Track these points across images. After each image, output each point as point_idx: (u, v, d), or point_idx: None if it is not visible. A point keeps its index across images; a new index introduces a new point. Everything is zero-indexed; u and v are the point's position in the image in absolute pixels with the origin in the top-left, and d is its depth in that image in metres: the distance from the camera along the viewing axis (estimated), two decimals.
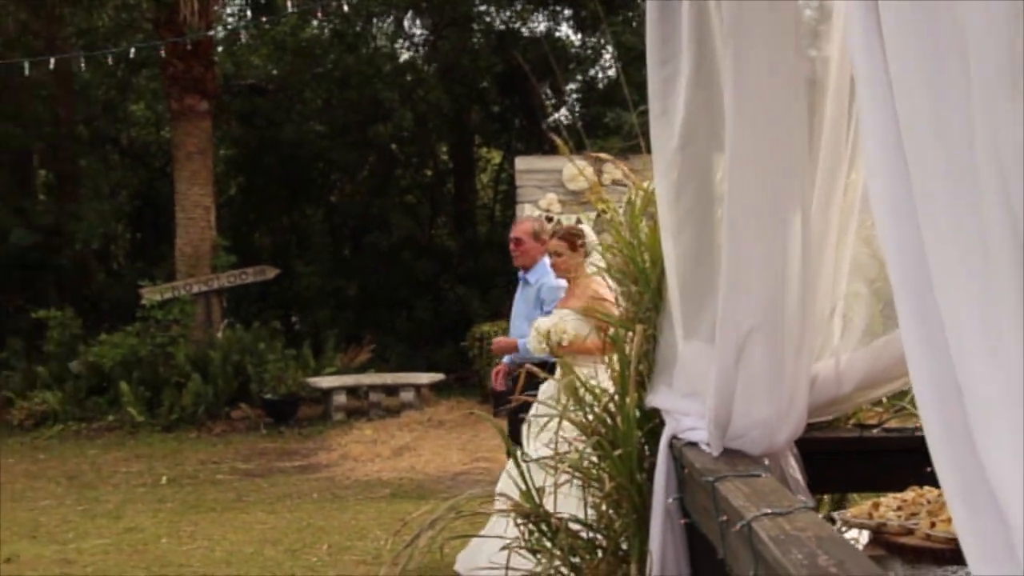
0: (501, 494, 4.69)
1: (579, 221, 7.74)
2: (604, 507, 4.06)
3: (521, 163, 16.08)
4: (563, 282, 7.21)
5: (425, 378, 16.19)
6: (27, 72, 14.85)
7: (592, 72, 22.09)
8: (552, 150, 19.04)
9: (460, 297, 19.52)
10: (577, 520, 4.05)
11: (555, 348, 6.50)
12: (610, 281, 6.71)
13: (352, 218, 22.00)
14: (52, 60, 15.58)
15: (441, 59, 20.69)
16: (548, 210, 15.45)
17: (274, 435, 14.57)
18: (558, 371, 6.51)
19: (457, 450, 12.65)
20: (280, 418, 15.23)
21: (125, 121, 22.21)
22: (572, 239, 6.91)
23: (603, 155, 4.99)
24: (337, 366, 16.69)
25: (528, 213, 15.55)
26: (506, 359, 7.76)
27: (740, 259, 3.00)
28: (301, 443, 13.96)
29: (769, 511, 2.42)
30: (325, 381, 15.70)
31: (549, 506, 4.13)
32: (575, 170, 14.88)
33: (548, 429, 6.08)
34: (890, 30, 1.63)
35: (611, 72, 21.93)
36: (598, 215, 13.59)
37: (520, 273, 7.84)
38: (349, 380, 15.96)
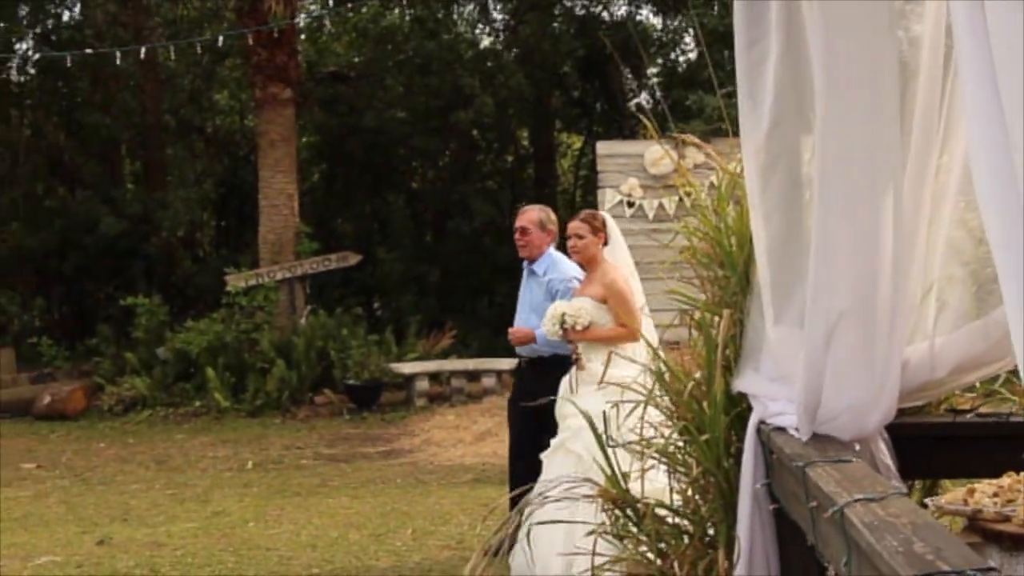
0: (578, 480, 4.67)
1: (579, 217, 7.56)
2: (690, 493, 4.05)
3: (602, 147, 16.01)
4: (571, 271, 7.14)
5: (507, 363, 16.19)
6: (118, 62, 15.11)
7: (673, 55, 21.95)
8: (633, 134, 18.96)
9: None
10: (663, 506, 4.05)
11: (569, 332, 6.48)
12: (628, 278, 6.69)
13: (433, 204, 22.10)
14: (143, 50, 15.85)
15: (522, 44, 20.67)
16: (630, 195, 15.39)
17: (357, 421, 14.71)
18: (577, 368, 6.52)
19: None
20: (363, 404, 15.37)
21: (210, 110, 22.50)
22: (593, 223, 6.85)
23: (691, 138, 4.95)
24: (419, 352, 16.79)
25: (609, 198, 15.50)
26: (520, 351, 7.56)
27: (830, 242, 2.97)
28: (384, 429, 14.08)
29: (862, 497, 2.39)
30: (407, 367, 15.80)
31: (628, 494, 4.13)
32: (657, 154, 14.83)
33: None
34: (992, 7, 1.60)
35: (692, 55, 21.79)
36: (680, 199, 13.46)
37: (525, 263, 7.64)
38: (431, 366, 16.05)
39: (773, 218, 3.30)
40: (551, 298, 7.16)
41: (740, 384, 3.74)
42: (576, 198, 23.63)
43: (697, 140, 5.29)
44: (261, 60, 16.81)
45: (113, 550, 8.19)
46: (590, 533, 4.13)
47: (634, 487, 4.17)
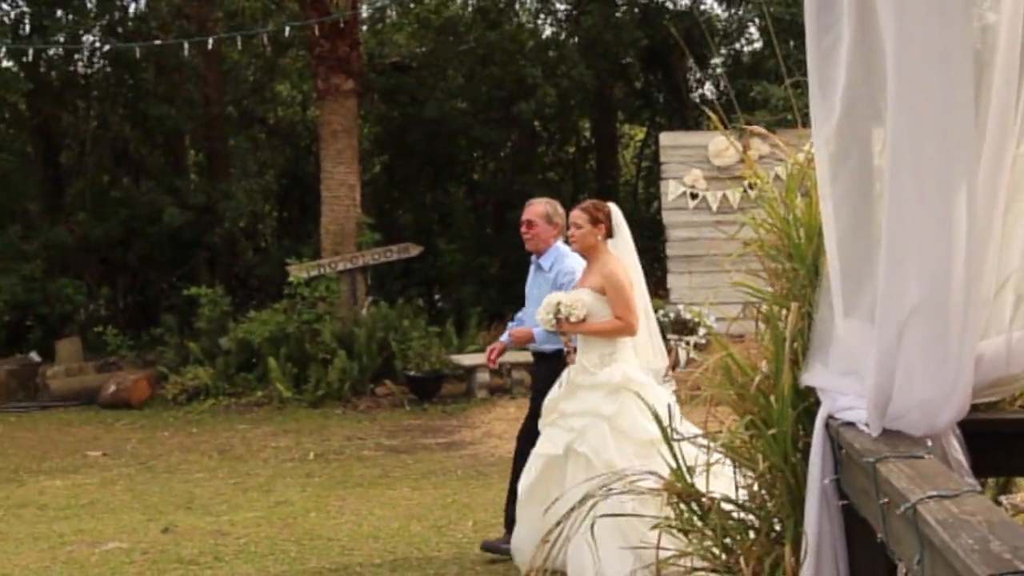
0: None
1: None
2: (757, 488, 4.03)
3: (666, 138, 15.96)
4: (577, 265, 7.04)
5: None
6: (186, 53, 15.25)
7: (737, 45, 21.79)
8: (696, 125, 18.87)
9: None
10: (729, 500, 4.03)
11: (563, 323, 6.41)
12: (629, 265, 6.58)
13: (495, 195, 22.12)
14: (210, 41, 15.98)
15: (584, 34, 20.60)
16: (693, 186, 15.33)
17: (418, 412, 14.77)
18: (573, 363, 6.45)
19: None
20: (424, 395, 15.42)
21: (272, 101, 22.67)
22: (594, 213, 6.73)
23: (757, 128, 4.92)
24: (480, 343, 16.80)
25: (672, 189, 15.46)
26: (503, 339, 7.54)
27: (901, 236, 2.93)
28: (445, 420, 14.13)
29: (935, 493, 2.36)
30: (468, 359, 15.84)
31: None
32: (721, 145, 14.76)
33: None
34: None
35: (757, 44, 21.62)
36: (744, 190, 13.36)
37: (532, 257, 7.54)
38: None
39: (843, 209, 3.27)
40: (557, 290, 7.10)
41: (808, 378, 3.71)
42: (638, 190, 23.58)
43: (763, 131, 5.26)
44: (324, 51, 16.89)
45: (178, 537, 8.30)
46: (655, 527, 4.12)
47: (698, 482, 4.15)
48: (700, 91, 22.63)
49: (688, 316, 14.81)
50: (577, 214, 6.79)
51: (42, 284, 18.47)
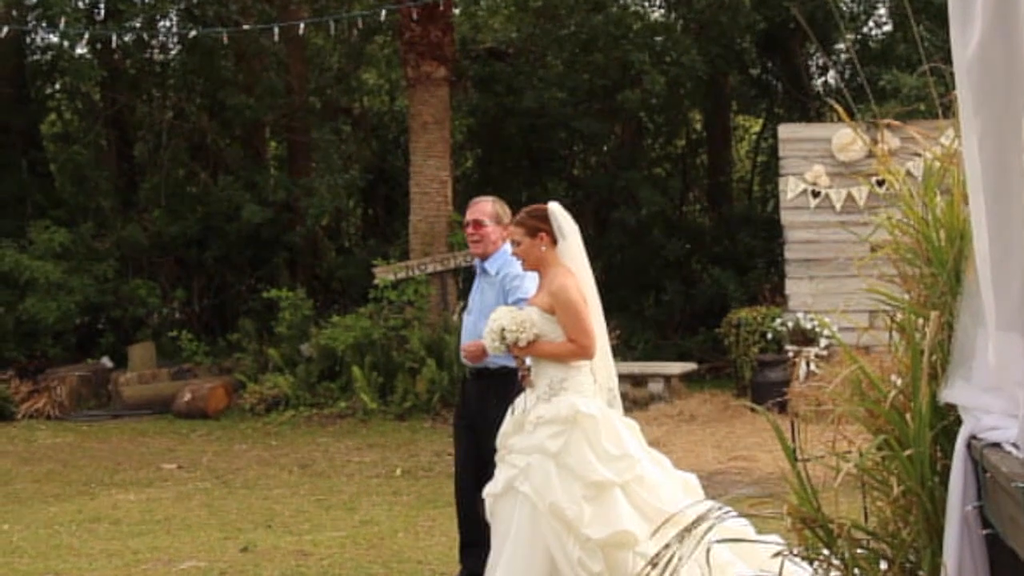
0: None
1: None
2: (890, 514, 3.99)
3: (785, 131, 15.84)
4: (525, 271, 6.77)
5: (676, 368, 16.17)
6: (276, 38, 15.45)
7: (865, 29, 21.53)
8: (819, 117, 18.72)
9: (714, 279, 19.38)
10: (859, 527, 4.00)
11: (513, 348, 6.20)
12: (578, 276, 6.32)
13: (597, 193, 22.09)
14: (301, 26, 16.19)
15: (696, 17, 20.51)
16: (815, 183, 15.19)
17: None
18: (534, 383, 6.26)
19: (712, 447, 12.60)
20: None
21: (358, 90, 22.87)
22: (530, 223, 6.40)
23: (889, 121, 4.87)
24: None
25: (792, 187, 15.33)
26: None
27: None
28: None
29: None
30: None
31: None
32: (846, 138, 14.61)
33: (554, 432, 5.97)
34: None
35: (886, 27, 21.35)
36: (872, 188, 13.21)
37: (476, 261, 7.42)
38: None
39: (992, 210, 3.23)
40: (505, 298, 6.99)
41: (949, 394, 3.67)
42: (754, 187, 23.43)
43: (896, 123, 5.20)
44: (414, 36, 17.00)
45: (257, 558, 8.45)
46: (776, 555, 4.11)
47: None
48: (823, 79, 22.42)
49: (808, 325, 14.69)
50: (512, 230, 6.56)
51: (115, 285, 18.88)
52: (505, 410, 6.41)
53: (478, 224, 7.30)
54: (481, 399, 7.16)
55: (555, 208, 6.44)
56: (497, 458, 6.33)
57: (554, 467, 5.95)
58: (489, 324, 6.26)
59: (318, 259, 21.20)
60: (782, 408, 12.38)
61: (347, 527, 9.48)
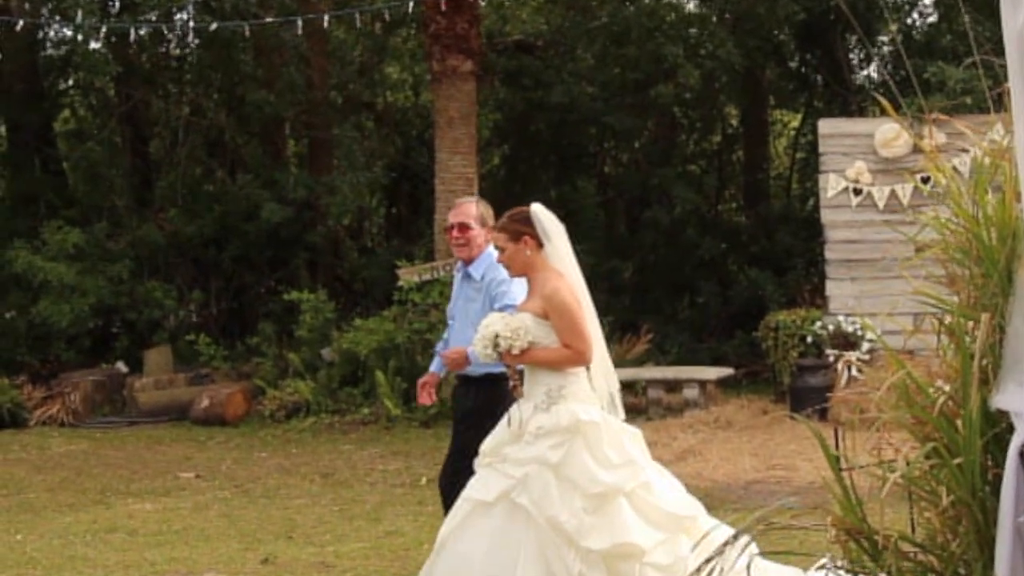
0: None
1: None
2: (939, 525, 3.98)
3: (825, 126, 15.78)
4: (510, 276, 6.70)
5: (711, 373, 16.13)
6: (300, 31, 15.48)
7: (908, 20, 21.46)
8: (860, 111, 18.63)
9: (751, 280, 19.34)
10: (907, 539, 3.99)
11: (505, 356, 6.11)
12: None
13: (629, 191, 22.10)
14: (326, 18, 16.21)
15: (732, 8, 20.49)
16: (856, 181, 15.14)
17: None
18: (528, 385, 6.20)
19: (749, 455, 12.56)
20: None
21: (380, 85, 22.88)
22: (512, 228, 6.36)
23: (936, 115, 4.85)
24: (612, 358, 16.77)
25: (833, 184, 15.28)
26: (433, 367, 7.45)
27: None
28: None
29: None
30: None
31: None
32: (889, 134, 14.56)
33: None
34: None
35: (931, 18, 21.27)
36: (916, 185, 13.16)
37: (459, 265, 7.37)
38: (625, 374, 15.93)
39: None
40: (491, 303, 6.94)
41: (1001, 401, 3.65)
42: (792, 185, 23.38)
43: (944, 117, 5.19)
44: (439, 28, 17.00)
45: (278, 569, 8.48)
46: (820, 566, 4.10)
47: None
48: (864, 72, 22.36)
49: (850, 328, 14.64)
50: (495, 236, 6.53)
51: (130, 287, 18.93)
52: (487, 417, 6.37)
53: (464, 227, 7.25)
54: (463, 406, 7.20)
55: (538, 209, 6.41)
56: (479, 464, 6.25)
57: (554, 478, 5.89)
58: (481, 331, 6.18)
59: (340, 260, 21.22)
60: (822, 415, 12.40)
61: (371, 538, 9.49)
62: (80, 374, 17.66)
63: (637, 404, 15.73)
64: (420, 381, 7.42)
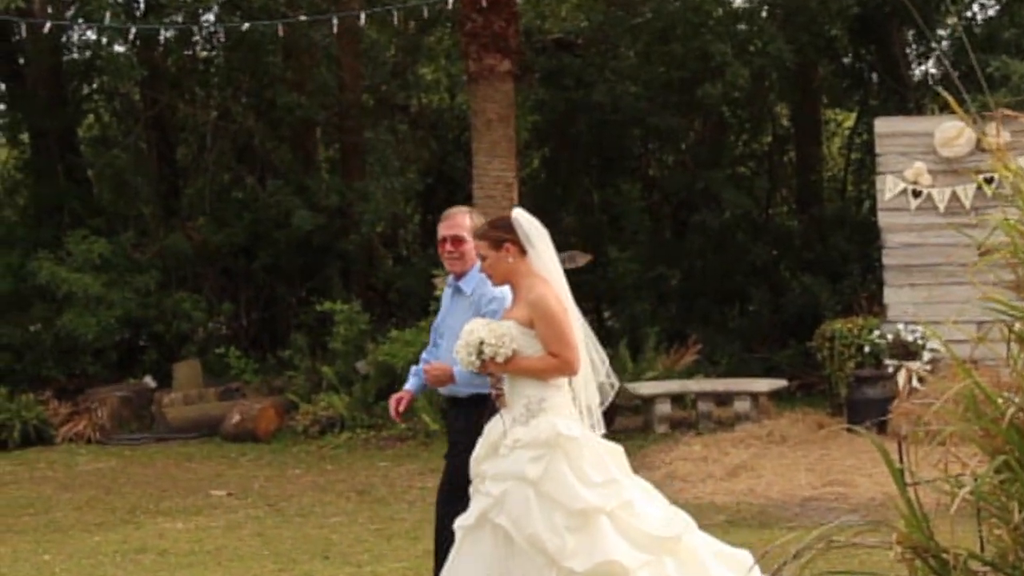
0: None
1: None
2: (1010, 542, 3.96)
3: (882, 125, 15.73)
4: (502, 290, 6.60)
5: (764, 385, 16.09)
6: (335, 30, 15.54)
7: (969, 13, 21.34)
8: (919, 109, 18.57)
9: (805, 287, 19.27)
10: (977, 557, 3.97)
11: (488, 364, 6.06)
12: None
13: (675, 194, 22.07)
14: (363, 16, 16.25)
15: (783, 3, 20.45)
16: (915, 182, 15.08)
17: None
18: (509, 401, 6.14)
19: (805, 471, 12.53)
20: None
21: (415, 86, 22.91)
22: (493, 235, 6.33)
23: (1004, 111, 4.83)
24: (658, 369, 16.78)
25: (890, 186, 15.24)
26: (409, 385, 7.34)
27: None
28: None
29: None
30: (645, 387, 15.83)
31: None
32: (950, 132, 14.48)
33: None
34: None
35: (992, 11, 21.14)
36: (980, 186, 13.11)
37: (450, 279, 7.28)
38: (673, 386, 16.03)
39: None
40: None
41: None
42: (847, 187, 23.29)
43: (1011, 113, 5.16)
44: (475, 27, 17.01)
45: None
46: None
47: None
48: (922, 68, 22.25)
49: (910, 337, 14.57)
50: (476, 244, 6.49)
51: (157, 299, 19.03)
52: (480, 437, 6.32)
53: (458, 240, 7.14)
54: (454, 427, 7.17)
55: (520, 215, 6.39)
56: (472, 489, 6.24)
57: (533, 495, 5.87)
58: (464, 337, 6.12)
59: (374, 269, 21.25)
60: (881, 428, 12.33)
61: (409, 558, 9.52)
62: (107, 389, 17.78)
63: (687, 418, 15.72)
64: (394, 397, 7.27)
